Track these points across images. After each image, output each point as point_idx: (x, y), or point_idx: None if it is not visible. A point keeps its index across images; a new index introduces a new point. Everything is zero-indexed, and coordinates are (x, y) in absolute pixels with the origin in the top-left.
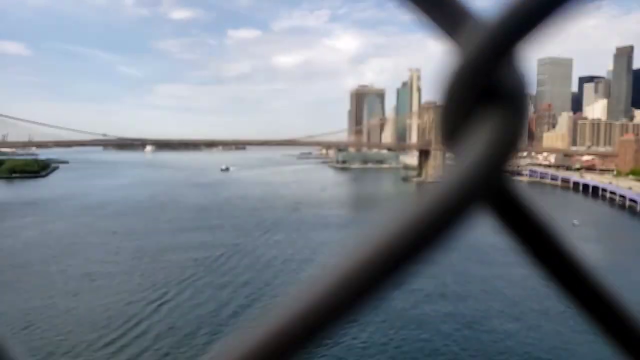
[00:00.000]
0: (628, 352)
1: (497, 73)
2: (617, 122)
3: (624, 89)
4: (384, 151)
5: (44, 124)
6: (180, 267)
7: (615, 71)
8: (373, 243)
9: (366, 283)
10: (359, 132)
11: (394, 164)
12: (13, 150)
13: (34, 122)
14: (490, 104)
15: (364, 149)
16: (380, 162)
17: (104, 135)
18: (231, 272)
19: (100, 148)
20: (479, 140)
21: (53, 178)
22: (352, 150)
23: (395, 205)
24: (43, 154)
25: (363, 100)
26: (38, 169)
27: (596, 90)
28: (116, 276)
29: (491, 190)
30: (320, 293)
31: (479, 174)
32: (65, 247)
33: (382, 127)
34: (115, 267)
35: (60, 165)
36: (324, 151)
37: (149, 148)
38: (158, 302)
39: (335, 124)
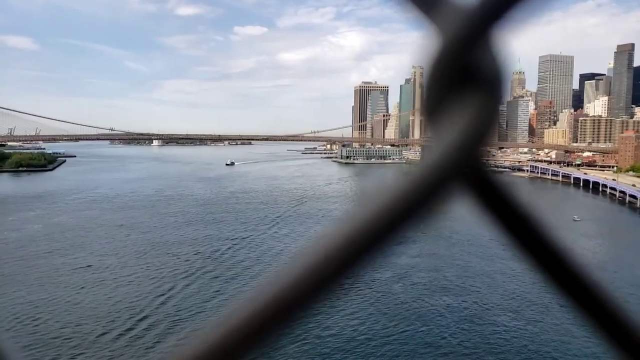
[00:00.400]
0: (610, 336)
1: (475, 55)
2: (618, 119)
3: (624, 86)
4: (388, 147)
5: (51, 118)
6: (186, 261)
7: (615, 68)
8: (353, 221)
9: (346, 260)
10: (362, 128)
11: (397, 160)
12: (20, 143)
13: (40, 117)
14: (468, 86)
15: (368, 145)
16: (384, 157)
17: (111, 129)
18: (238, 266)
19: (107, 142)
20: (455, 122)
21: (60, 172)
22: (356, 145)
23: (378, 186)
24: (50, 148)
25: (367, 97)
26: (45, 163)
27: (597, 88)
28: (122, 270)
29: (467, 171)
30: (302, 270)
31: (454, 154)
32: (70, 241)
33: (385, 123)
34: (121, 260)
35: (67, 159)
36: (328, 146)
37: (155, 142)
38: (164, 296)
39: (339, 120)
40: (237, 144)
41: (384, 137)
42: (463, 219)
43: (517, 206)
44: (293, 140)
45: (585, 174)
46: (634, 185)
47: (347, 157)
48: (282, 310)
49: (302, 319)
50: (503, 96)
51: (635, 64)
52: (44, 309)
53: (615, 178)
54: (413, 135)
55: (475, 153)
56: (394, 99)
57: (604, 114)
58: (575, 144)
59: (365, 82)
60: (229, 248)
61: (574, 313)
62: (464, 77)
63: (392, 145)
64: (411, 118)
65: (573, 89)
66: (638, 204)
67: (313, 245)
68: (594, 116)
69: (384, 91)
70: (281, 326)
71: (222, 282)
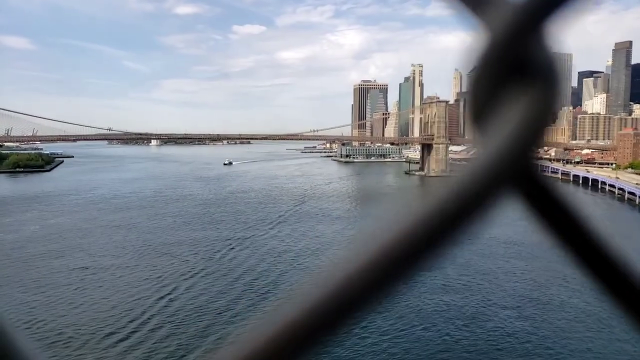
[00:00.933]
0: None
1: (527, 50)
2: (616, 116)
3: (622, 83)
4: (387, 145)
5: (48, 119)
6: (184, 263)
7: (614, 66)
8: (398, 229)
9: (391, 269)
10: (362, 127)
11: (396, 158)
12: (17, 144)
13: (38, 117)
14: (519, 82)
15: (367, 143)
16: (383, 156)
17: (110, 129)
18: (238, 268)
19: (105, 142)
20: (507, 121)
21: (57, 172)
22: (355, 144)
23: (422, 193)
24: (48, 149)
25: (366, 95)
26: (42, 163)
27: (595, 85)
28: (119, 271)
29: (519, 173)
30: (343, 280)
31: (505, 158)
32: (67, 242)
33: (385, 122)
34: (119, 261)
35: (65, 160)
36: (328, 145)
37: (154, 142)
38: (162, 298)
39: (339, 119)
40: (236, 144)
41: (383, 135)
42: None
43: (571, 212)
44: (292, 139)
45: (588, 171)
46: (638, 185)
47: (347, 156)
48: (328, 318)
49: (345, 327)
50: (558, 93)
51: (633, 62)
52: (41, 311)
53: (619, 176)
54: (412, 134)
55: (527, 155)
56: (393, 97)
57: (603, 112)
58: (574, 142)
59: (365, 81)
60: (229, 249)
61: (626, 320)
62: (515, 74)
63: (392, 143)
64: (410, 116)
65: (572, 87)
66: (637, 201)
67: (354, 254)
68: (592, 113)
69: (383, 89)
70: (327, 333)
71: (223, 284)
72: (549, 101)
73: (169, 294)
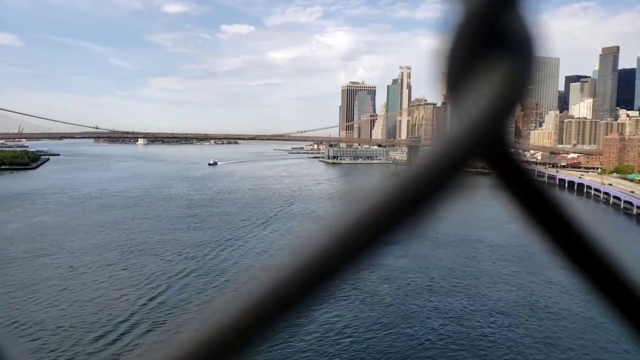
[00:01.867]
0: (621, 310)
1: (502, 21)
2: (602, 121)
3: (609, 88)
4: (375, 147)
5: (34, 116)
6: (167, 263)
7: (600, 71)
8: (369, 200)
9: (362, 240)
10: (350, 128)
11: (383, 160)
12: (2, 141)
13: (24, 114)
14: (494, 54)
15: (355, 145)
16: (371, 157)
17: (96, 127)
18: (219, 267)
19: (91, 141)
20: (480, 93)
21: (43, 170)
22: (343, 145)
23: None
24: (33, 146)
25: (354, 97)
26: (28, 161)
27: (582, 90)
28: (103, 271)
29: (490, 146)
30: (275, 281)
31: (478, 129)
32: (51, 241)
33: (372, 123)
34: (102, 261)
35: (51, 158)
36: (315, 146)
37: (141, 141)
38: (145, 298)
39: (326, 120)
40: (223, 143)
41: (371, 137)
42: (449, 220)
43: (538, 189)
44: (280, 139)
45: (581, 177)
46: (632, 192)
47: (334, 157)
48: (266, 314)
49: (288, 322)
50: (533, 65)
51: (620, 67)
52: (23, 312)
53: (605, 182)
54: (400, 136)
55: (501, 127)
56: (381, 99)
57: (589, 116)
58: (560, 146)
59: (353, 82)
60: (213, 250)
61: (593, 295)
62: (491, 42)
63: (379, 145)
64: (398, 118)
65: (559, 91)
66: (621, 205)
67: (316, 235)
68: (579, 118)
69: (371, 91)
70: (265, 329)
71: (205, 284)
72: (524, 73)
73: (152, 294)
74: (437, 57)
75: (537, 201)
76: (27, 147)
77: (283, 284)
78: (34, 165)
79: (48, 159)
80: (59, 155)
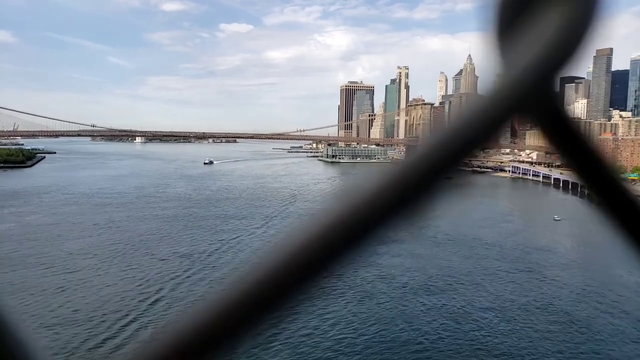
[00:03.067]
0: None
1: None
2: (596, 122)
3: (602, 89)
4: (373, 146)
5: (30, 114)
6: (164, 263)
7: (594, 72)
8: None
9: (394, 199)
10: (348, 128)
11: (382, 159)
12: None
13: (19, 112)
14: None
15: (353, 144)
16: (369, 157)
17: (93, 125)
18: (218, 267)
19: (88, 139)
20: (533, 39)
21: (38, 168)
22: (341, 144)
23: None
24: (29, 144)
25: (353, 96)
26: (23, 159)
27: (576, 91)
28: (98, 270)
29: (539, 98)
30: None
31: (526, 81)
32: (45, 240)
33: (371, 123)
34: (98, 260)
35: (47, 156)
36: (314, 145)
37: (138, 139)
38: (139, 299)
39: (325, 119)
40: (222, 142)
41: (369, 136)
42: (446, 218)
43: (584, 140)
44: (279, 138)
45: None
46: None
47: (333, 156)
48: (253, 308)
49: (275, 317)
50: (597, 10)
51: (613, 68)
52: (17, 313)
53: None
54: (398, 135)
55: (552, 80)
56: (379, 98)
57: (583, 117)
58: None
59: (352, 82)
60: (213, 249)
61: (624, 240)
62: None
63: (378, 144)
64: (396, 118)
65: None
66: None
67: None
68: (573, 118)
69: (370, 91)
70: (253, 324)
71: (202, 285)
72: (583, 20)
73: (148, 294)
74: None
75: (586, 158)
76: (22, 145)
77: (268, 278)
78: (29, 163)
79: (44, 157)
80: (55, 153)
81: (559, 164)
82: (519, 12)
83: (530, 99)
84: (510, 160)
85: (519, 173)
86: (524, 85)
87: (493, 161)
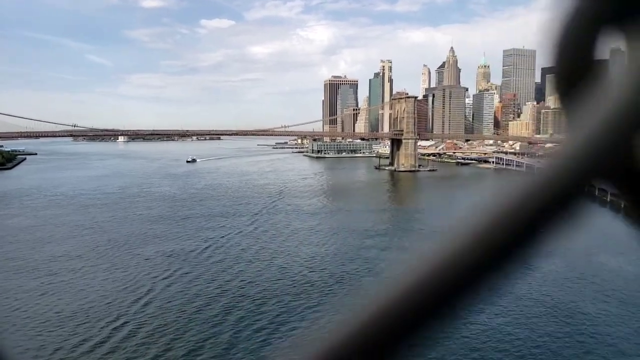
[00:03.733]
0: None
1: (625, 8)
2: None
3: None
4: (358, 141)
5: (9, 115)
6: (145, 260)
7: None
8: (468, 231)
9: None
10: (333, 122)
11: (367, 153)
12: None
13: None
14: (620, 28)
15: (339, 139)
16: (354, 151)
17: (74, 125)
18: (205, 267)
19: (70, 139)
20: (604, 99)
21: (19, 170)
22: (326, 139)
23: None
24: (9, 146)
25: (337, 91)
26: (3, 161)
27: None
28: (83, 273)
29: (615, 164)
30: (417, 283)
31: (600, 145)
32: (26, 243)
33: (355, 117)
34: (82, 262)
35: (28, 157)
36: (299, 141)
37: (121, 139)
38: (128, 301)
39: (310, 114)
40: (205, 139)
41: (354, 131)
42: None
43: None
44: (263, 135)
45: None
46: None
47: (318, 152)
48: (396, 325)
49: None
50: None
51: None
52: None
53: None
54: (382, 129)
55: (629, 142)
56: (363, 92)
57: None
58: (538, 136)
59: (335, 76)
60: (202, 248)
61: None
62: (614, 19)
63: (362, 139)
64: (380, 112)
65: (535, 82)
66: (596, 192)
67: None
68: (555, 108)
69: (354, 85)
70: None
71: (188, 285)
72: None
73: (135, 297)
74: (545, 48)
75: None
76: (2, 146)
77: (412, 293)
78: (9, 165)
79: (25, 159)
80: (36, 154)
81: (541, 154)
82: (585, 52)
83: (606, 164)
84: (494, 152)
85: (503, 164)
86: (597, 149)
87: (477, 152)
